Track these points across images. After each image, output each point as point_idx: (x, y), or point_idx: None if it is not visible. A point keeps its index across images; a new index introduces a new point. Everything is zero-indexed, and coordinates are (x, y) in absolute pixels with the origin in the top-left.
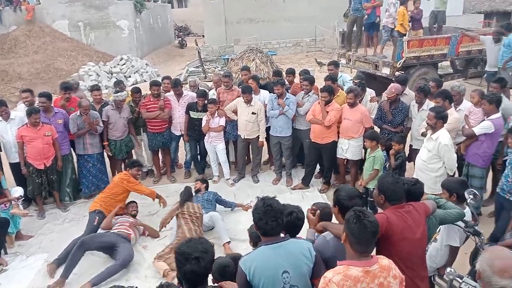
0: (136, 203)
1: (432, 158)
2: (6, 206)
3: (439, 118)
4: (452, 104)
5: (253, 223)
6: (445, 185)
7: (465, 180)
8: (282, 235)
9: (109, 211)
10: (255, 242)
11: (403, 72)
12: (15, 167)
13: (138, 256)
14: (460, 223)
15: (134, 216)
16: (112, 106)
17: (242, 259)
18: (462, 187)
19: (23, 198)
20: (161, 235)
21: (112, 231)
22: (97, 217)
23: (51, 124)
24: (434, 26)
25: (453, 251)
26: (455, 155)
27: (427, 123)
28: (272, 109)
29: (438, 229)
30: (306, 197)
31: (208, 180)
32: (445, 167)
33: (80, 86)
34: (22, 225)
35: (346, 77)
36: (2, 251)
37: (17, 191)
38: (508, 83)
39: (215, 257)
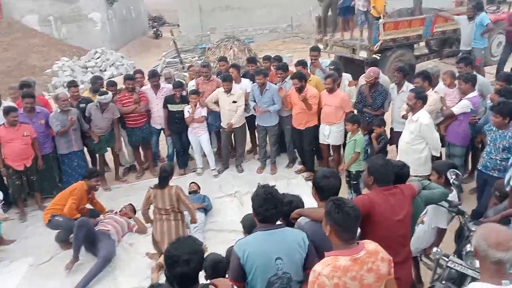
0: (132, 206)
1: (414, 139)
2: None
3: (418, 99)
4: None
5: (246, 213)
6: (435, 167)
7: (454, 163)
8: (278, 222)
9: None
10: (248, 232)
11: (379, 54)
12: None
13: (125, 254)
14: (444, 203)
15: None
16: (96, 106)
17: (237, 242)
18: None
19: (2, 202)
20: (148, 232)
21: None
22: (59, 218)
23: (33, 124)
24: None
25: (440, 233)
26: (437, 134)
27: (407, 104)
28: (254, 100)
29: (425, 210)
30: (291, 184)
31: (192, 173)
32: (429, 148)
33: (56, 83)
34: (4, 230)
35: (326, 62)
36: None
37: None
38: (473, 61)
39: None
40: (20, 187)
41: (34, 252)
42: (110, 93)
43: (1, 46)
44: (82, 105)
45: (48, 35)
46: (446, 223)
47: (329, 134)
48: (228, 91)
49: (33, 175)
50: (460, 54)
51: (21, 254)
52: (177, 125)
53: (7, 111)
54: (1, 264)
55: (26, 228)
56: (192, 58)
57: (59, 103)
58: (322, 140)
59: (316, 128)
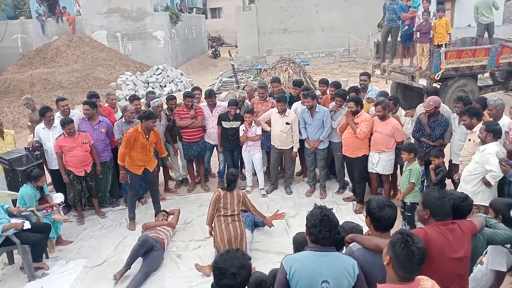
0: (167, 212)
1: (477, 168)
2: (48, 212)
3: (489, 132)
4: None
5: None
6: (492, 205)
7: None
8: None
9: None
10: (297, 250)
11: (440, 83)
12: (54, 173)
13: (173, 265)
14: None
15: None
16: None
17: (285, 257)
18: (510, 209)
19: (63, 204)
20: (195, 245)
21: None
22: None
23: (94, 131)
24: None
25: (499, 276)
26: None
27: (478, 136)
28: (305, 125)
29: (485, 251)
30: (340, 210)
31: (241, 190)
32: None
33: (119, 95)
34: (63, 231)
35: (376, 90)
36: (44, 255)
37: (58, 197)
38: None
39: (254, 271)
40: (80, 192)
41: (89, 255)
42: (160, 98)
43: (71, 59)
44: None
45: (114, 50)
46: (506, 266)
47: (377, 162)
48: (282, 111)
49: (92, 181)
50: None
51: (76, 255)
52: (230, 142)
53: (63, 124)
54: (58, 263)
55: (83, 231)
56: (248, 78)
57: (127, 114)
58: (370, 168)
59: (365, 158)
